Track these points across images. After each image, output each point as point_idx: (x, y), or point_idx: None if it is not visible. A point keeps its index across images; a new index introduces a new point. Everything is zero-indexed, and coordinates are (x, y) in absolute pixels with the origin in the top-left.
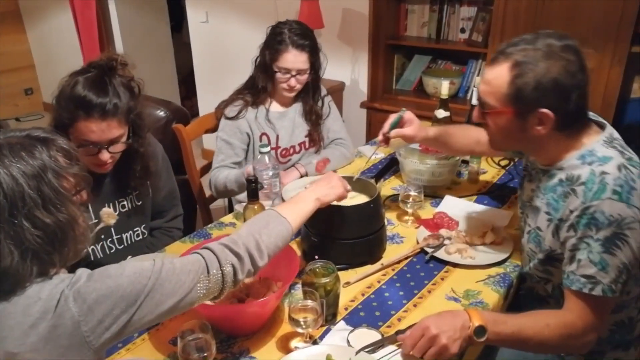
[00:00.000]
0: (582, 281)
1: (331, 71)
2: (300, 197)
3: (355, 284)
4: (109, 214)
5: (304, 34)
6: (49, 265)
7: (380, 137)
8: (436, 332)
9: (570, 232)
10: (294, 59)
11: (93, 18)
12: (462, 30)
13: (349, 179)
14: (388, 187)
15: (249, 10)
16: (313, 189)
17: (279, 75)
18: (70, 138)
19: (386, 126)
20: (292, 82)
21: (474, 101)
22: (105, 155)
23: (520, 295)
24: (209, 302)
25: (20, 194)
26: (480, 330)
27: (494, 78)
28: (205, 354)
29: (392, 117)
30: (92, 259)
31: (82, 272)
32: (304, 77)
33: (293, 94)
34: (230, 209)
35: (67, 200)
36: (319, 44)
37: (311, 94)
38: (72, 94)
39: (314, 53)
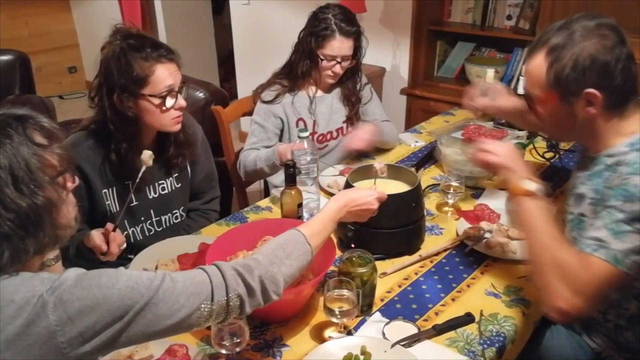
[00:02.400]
0: (587, 242)
1: (372, 56)
2: (331, 217)
3: (391, 275)
4: (150, 156)
5: (349, 20)
6: (22, 251)
7: (472, 103)
8: (507, 163)
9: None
10: (340, 45)
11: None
12: (509, 17)
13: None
14: (428, 176)
15: None
16: (347, 214)
17: (324, 62)
18: (145, 99)
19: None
20: (337, 68)
21: (520, 90)
22: (182, 101)
23: None
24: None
25: None
26: (532, 184)
27: (533, 68)
28: (238, 340)
29: (481, 84)
30: (132, 240)
31: (70, 273)
32: (348, 63)
33: (336, 80)
34: (266, 192)
35: (44, 182)
36: (361, 28)
37: (351, 78)
38: (134, 51)
39: (358, 38)
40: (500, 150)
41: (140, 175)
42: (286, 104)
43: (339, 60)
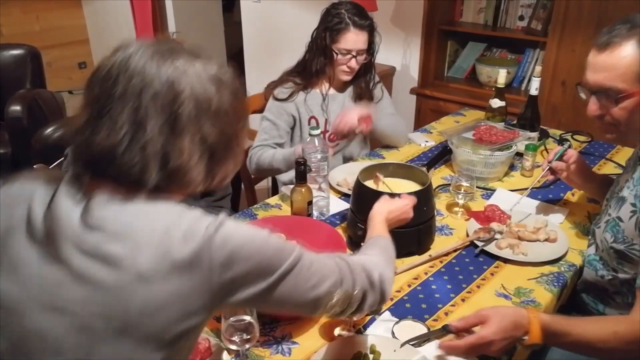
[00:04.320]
0: None
1: (382, 55)
2: (385, 230)
3: (401, 274)
4: None
5: (362, 13)
6: (208, 175)
7: (545, 165)
8: (491, 340)
9: None
10: (355, 38)
11: None
12: (521, 18)
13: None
14: (438, 176)
15: None
16: (388, 225)
17: (339, 57)
18: None
19: (551, 155)
20: (353, 63)
21: (533, 92)
22: None
23: (577, 291)
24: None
25: (209, 94)
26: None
27: (619, 60)
28: (248, 337)
29: (558, 149)
30: None
31: (226, 217)
32: (363, 58)
33: (351, 77)
34: (274, 190)
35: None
36: (374, 23)
37: (364, 76)
38: None
39: (372, 33)
40: (489, 343)
41: None
42: (299, 102)
43: (354, 54)
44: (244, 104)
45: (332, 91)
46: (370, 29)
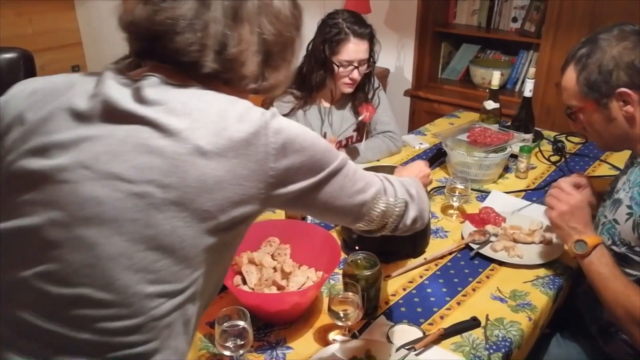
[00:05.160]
0: None
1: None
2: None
3: (396, 278)
4: None
5: (361, 22)
6: (260, 76)
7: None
8: (559, 224)
9: None
10: (356, 48)
11: None
12: (514, 20)
13: (391, 168)
14: (432, 178)
15: None
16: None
17: (340, 69)
18: None
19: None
20: (355, 74)
21: (527, 93)
22: None
23: (579, 294)
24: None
25: None
26: (582, 245)
27: (566, 82)
28: (242, 342)
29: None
30: None
31: (277, 112)
32: (364, 68)
33: (353, 89)
34: None
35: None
36: (374, 30)
37: (363, 87)
38: None
39: (372, 41)
40: (555, 203)
41: None
42: (299, 115)
43: (355, 64)
44: (302, 16)
45: (332, 104)
46: (371, 37)
